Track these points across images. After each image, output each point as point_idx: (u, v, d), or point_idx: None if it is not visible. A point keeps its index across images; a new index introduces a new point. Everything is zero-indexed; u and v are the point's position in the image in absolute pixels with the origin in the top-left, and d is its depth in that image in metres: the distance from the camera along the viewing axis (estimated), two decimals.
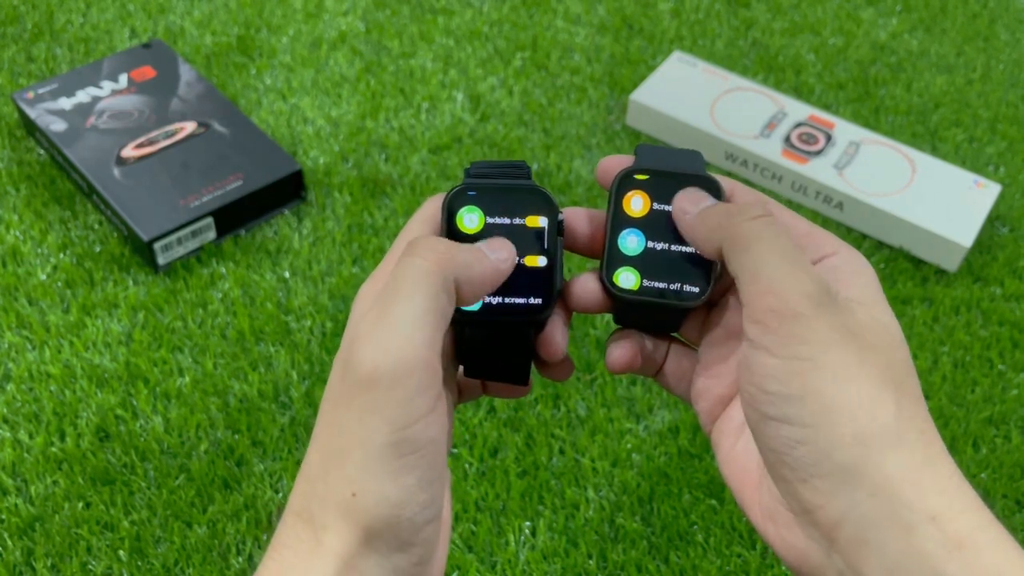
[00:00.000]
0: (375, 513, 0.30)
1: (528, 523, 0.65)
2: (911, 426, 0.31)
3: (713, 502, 0.67)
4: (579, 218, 0.39)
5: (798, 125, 0.93)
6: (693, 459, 0.69)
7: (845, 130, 0.92)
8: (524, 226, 0.37)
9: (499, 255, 0.35)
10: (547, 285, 0.37)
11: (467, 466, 0.68)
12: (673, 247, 0.38)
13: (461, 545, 0.64)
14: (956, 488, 0.30)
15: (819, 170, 0.89)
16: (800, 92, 1.02)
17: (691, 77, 0.97)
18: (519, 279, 0.37)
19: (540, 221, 0.37)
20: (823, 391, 0.30)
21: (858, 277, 0.34)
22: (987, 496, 0.69)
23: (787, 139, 0.91)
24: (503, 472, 0.68)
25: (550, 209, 0.37)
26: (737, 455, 0.37)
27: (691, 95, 0.96)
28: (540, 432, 0.70)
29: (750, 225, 0.33)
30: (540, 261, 0.37)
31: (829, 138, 0.92)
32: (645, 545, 0.65)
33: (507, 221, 0.37)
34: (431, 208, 0.37)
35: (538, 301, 0.37)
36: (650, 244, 0.38)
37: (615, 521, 0.66)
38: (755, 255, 0.32)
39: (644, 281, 0.38)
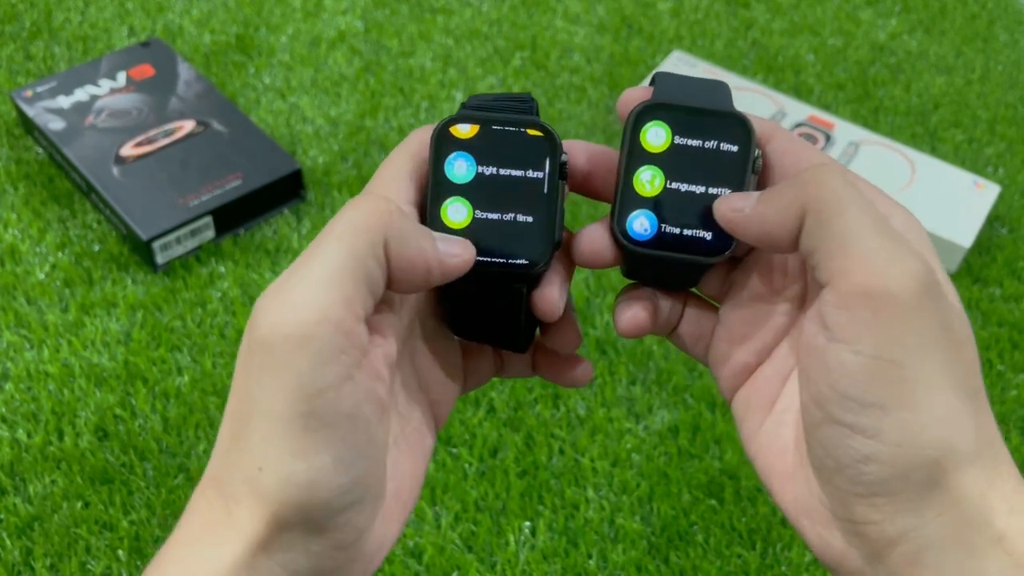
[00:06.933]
0: (282, 495, 0.27)
1: (528, 523, 0.65)
2: (985, 440, 0.27)
3: (713, 502, 0.67)
4: (577, 152, 0.34)
5: (797, 125, 0.93)
6: (693, 459, 0.69)
7: (844, 130, 0.92)
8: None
9: (449, 248, 0.30)
10: (545, 236, 0.33)
11: (467, 466, 0.68)
12: (697, 189, 0.32)
13: (461, 545, 0.64)
14: None
15: None
16: (799, 92, 1.02)
17: None
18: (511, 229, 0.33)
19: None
20: (911, 405, 0.26)
21: (925, 250, 0.29)
22: None
23: None
24: (503, 472, 0.68)
25: (552, 148, 0.32)
26: (766, 435, 0.32)
27: None
28: (540, 432, 0.70)
29: (838, 186, 0.28)
30: (534, 211, 0.33)
31: (828, 138, 0.92)
32: (645, 545, 0.65)
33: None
34: (417, 140, 0.32)
35: (531, 255, 0.33)
36: (670, 185, 0.33)
37: (615, 521, 0.66)
38: (846, 222, 0.27)
39: (662, 228, 0.33)
